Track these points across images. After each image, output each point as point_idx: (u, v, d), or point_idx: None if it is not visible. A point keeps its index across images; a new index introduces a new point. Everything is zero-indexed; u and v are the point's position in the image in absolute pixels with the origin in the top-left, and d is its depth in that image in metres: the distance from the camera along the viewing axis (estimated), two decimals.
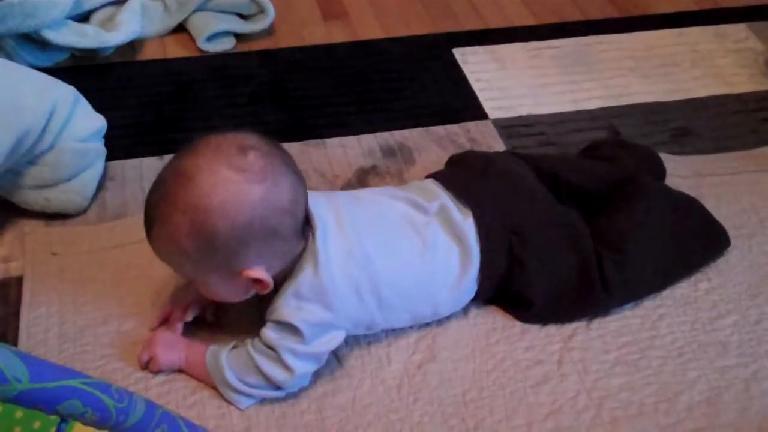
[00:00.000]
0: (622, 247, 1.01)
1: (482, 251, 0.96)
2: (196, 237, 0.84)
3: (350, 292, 0.90)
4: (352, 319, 0.92)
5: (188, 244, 0.84)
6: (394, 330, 0.98)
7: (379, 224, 0.94)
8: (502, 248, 0.98)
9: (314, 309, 0.88)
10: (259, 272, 0.86)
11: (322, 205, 0.92)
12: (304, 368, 0.89)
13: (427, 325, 0.99)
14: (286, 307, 0.88)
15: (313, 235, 0.89)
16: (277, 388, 0.90)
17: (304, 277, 0.88)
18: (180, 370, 0.93)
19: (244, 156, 0.84)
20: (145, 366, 0.92)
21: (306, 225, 0.90)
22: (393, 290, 0.92)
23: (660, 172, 1.18)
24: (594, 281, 0.99)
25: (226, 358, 0.89)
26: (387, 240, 0.93)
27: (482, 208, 0.98)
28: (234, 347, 0.91)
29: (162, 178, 0.87)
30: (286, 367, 0.88)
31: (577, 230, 1.02)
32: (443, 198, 0.99)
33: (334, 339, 0.91)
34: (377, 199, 0.98)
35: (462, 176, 1.04)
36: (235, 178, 0.83)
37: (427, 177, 1.06)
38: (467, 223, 0.97)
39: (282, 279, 0.89)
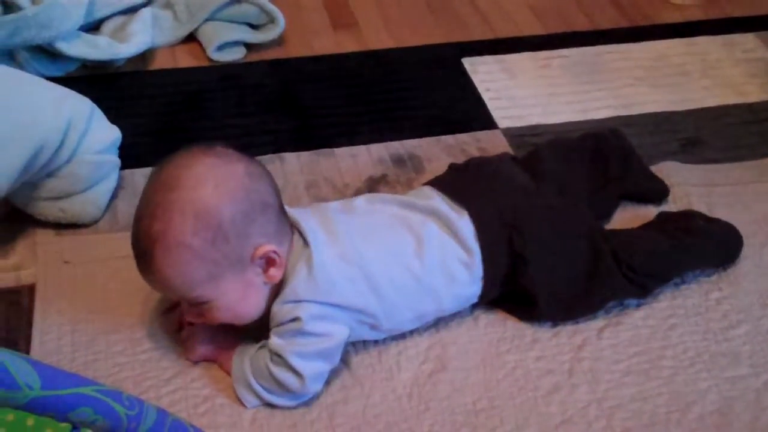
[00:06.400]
0: (638, 235, 1.04)
1: (482, 247, 0.97)
2: (204, 229, 0.84)
3: (347, 284, 0.91)
4: (351, 312, 0.91)
5: (198, 242, 0.84)
6: (404, 338, 0.98)
7: (371, 228, 0.95)
8: (502, 243, 0.98)
9: (312, 306, 0.89)
10: (269, 246, 0.88)
11: (310, 218, 0.94)
12: (312, 369, 0.89)
13: (437, 333, 0.99)
14: (284, 310, 0.89)
15: (306, 241, 0.91)
16: (292, 395, 0.90)
17: (299, 280, 0.89)
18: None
19: (212, 148, 0.89)
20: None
21: (287, 219, 0.93)
22: (391, 288, 0.93)
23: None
24: (600, 271, 0.99)
25: (250, 358, 0.91)
26: (380, 241, 0.94)
27: (477, 206, 0.99)
28: (261, 347, 0.92)
29: (145, 202, 0.87)
30: (295, 372, 0.88)
31: (579, 215, 1.03)
32: (437, 199, 1.00)
33: (337, 332, 0.90)
34: (370, 207, 0.99)
35: (456, 178, 1.06)
36: (216, 162, 0.87)
37: (425, 184, 1.07)
38: (464, 221, 0.97)
39: (278, 288, 0.91)
